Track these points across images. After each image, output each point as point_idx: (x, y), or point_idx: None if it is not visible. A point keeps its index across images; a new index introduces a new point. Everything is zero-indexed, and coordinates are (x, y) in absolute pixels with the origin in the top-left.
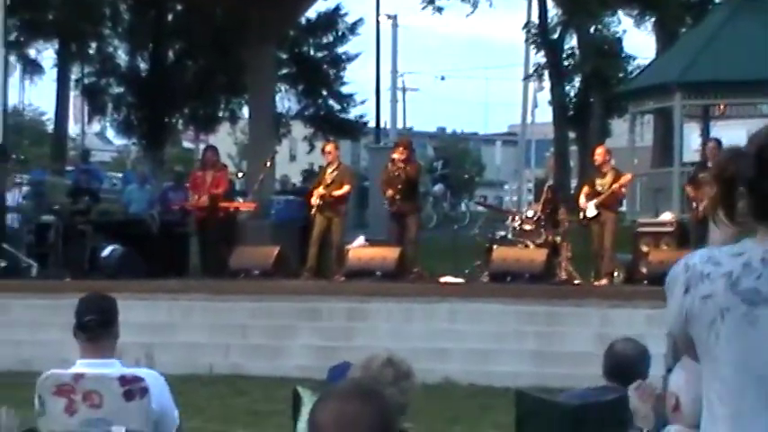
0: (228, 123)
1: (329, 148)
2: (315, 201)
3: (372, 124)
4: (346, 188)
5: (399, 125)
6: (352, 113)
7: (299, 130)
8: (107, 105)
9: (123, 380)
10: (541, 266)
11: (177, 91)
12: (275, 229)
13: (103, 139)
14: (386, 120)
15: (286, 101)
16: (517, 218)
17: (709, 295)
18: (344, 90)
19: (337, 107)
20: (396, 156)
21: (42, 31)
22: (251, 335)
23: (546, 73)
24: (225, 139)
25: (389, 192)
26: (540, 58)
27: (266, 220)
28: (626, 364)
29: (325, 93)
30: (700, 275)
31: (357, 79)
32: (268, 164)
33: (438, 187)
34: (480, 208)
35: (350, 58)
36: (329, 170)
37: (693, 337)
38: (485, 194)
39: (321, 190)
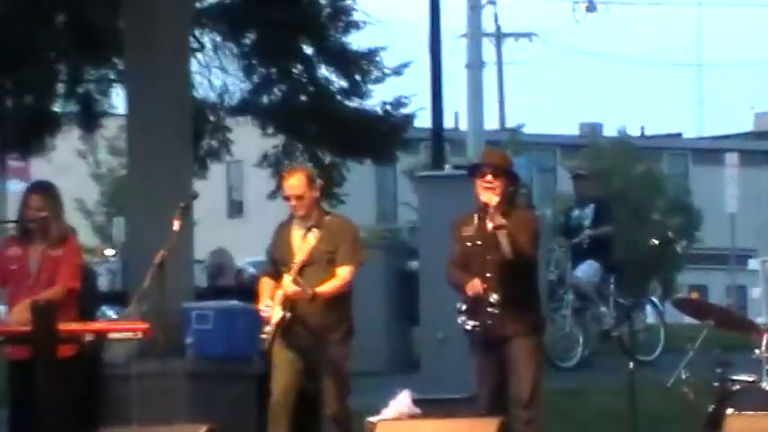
0: (80, 130)
1: (294, 182)
2: (269, 310)
3: (424, 123)
4: (345, 273)
5: (490, 122)
6: (375, 99)
7: (252, 142)
8: None
9: None
10: None
11: None
12: (197, 382)
13: None
14: (456, 110)
15: (218, 74)
16: None
17: None
18: (355, 42)
19: (340, 84)
20: (484, 197)
21: None
22: None
23: None
24: (72, 168)
25: (474, 284)
26: None
27: (175, 360)
28: None
29: (310, 50)
30: None
31: (386, 16)
32: (177, 225)
33: (585, 268)
34: (690, 319)
35: None
36: (295, 232)
37: None
38: (700, 285)
39: (289, 283)
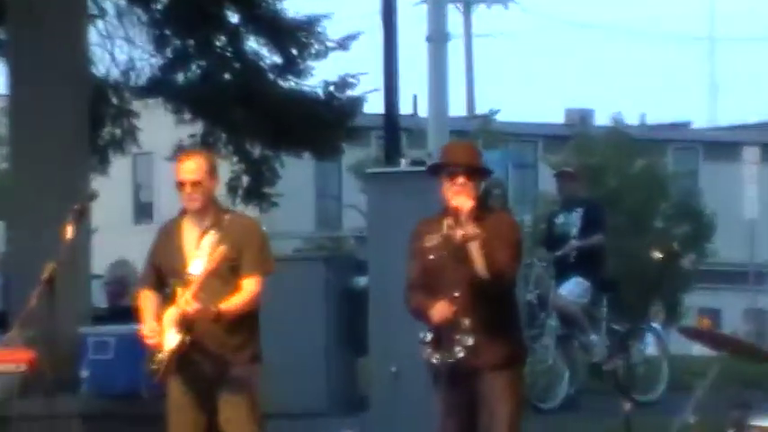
0: None
1: (191, 165)
2: (158, 334)
3: (375, 108)
4: (252, 285)
5: (457, 108)
6: (316, 78)
7: (164, 130)
8: None
9: None
10: None
11: None
12: (92, 425)
13: None
14: (415, 93)
15: (123, 46)
16: None
17: None
18: (291, 9)
19: (272, 60)
20: (455, 201)
21: None
22: None
23: None
24: None
25: (440, 308)
26: None
27: (66, 398)
28: None
29: (235, 18)
30: None
31: None
32: (70, 232)
33: (572, 287)
34: (699, 349)
35: None
36: (187, 233)
37: None
38: (712, 309)
39: (188, 298)
